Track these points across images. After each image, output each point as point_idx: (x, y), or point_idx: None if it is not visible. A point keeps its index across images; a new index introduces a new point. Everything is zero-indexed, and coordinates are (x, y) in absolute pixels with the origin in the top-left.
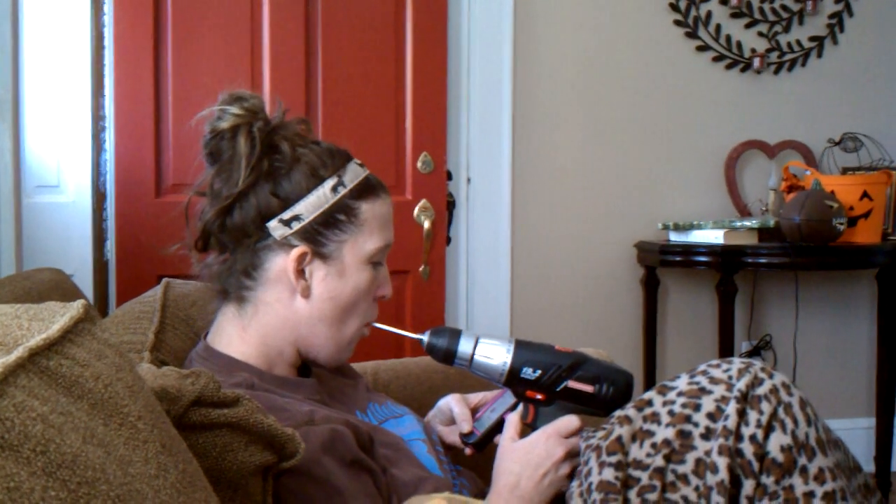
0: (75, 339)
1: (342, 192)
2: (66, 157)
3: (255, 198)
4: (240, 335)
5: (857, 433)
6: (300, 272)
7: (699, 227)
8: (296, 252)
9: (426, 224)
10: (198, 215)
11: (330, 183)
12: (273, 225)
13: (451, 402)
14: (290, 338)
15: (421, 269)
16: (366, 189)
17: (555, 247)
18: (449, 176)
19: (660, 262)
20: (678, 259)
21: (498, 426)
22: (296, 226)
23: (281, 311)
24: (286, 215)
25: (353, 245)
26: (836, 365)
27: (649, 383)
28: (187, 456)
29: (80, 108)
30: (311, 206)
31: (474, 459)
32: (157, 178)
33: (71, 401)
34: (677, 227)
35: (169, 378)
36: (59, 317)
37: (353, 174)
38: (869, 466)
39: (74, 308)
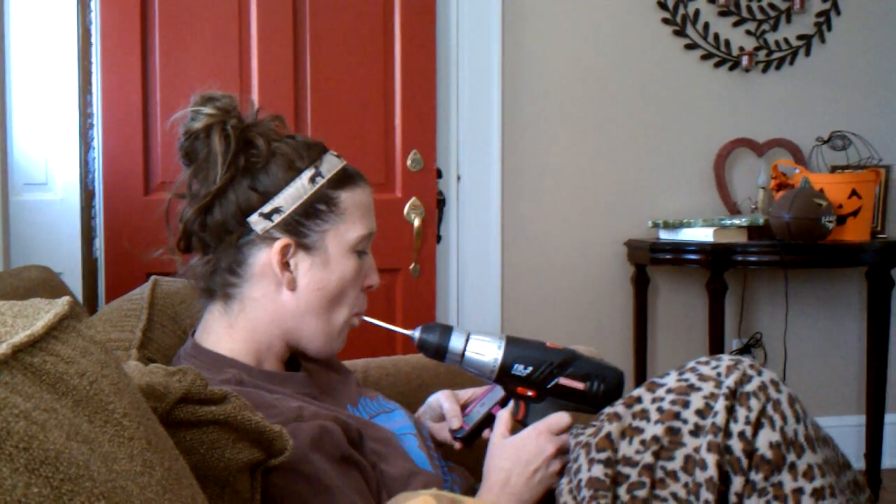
0: (60, 335)
1: (320, 182)
2: (54, 155)
3: (233, 194)
4: (227, 332)
5: (847, 430)
6: (285, 265)
7: (689, 225)
8: (279, 244)
9: (416, 222)
10: (178, 217)
11: (307, 174)
12: (254, 219)
13: (441, 399)
14: (279, 332)
15: (411, 267)
16: (344, 178)
17: (545, 245)
18: (439, 174)
19: (650, 260)
20: (668, 257)
21: (487, 420)
22: (277, 218)
23: (268, 305)
24: (266, 209)
25: (335, 234)
26: (826, 362)
27: (640, 381)
28: (174, 453)
29: (67, 106)
30: (290, 197)
31: (465, 455)
32: (146, 176)
33: (55, 398)
34: (667, 226)
35: (156, 375)
36: (43, 314)
37: (330, 164)
38: (859, 464)
39: (59, 305)
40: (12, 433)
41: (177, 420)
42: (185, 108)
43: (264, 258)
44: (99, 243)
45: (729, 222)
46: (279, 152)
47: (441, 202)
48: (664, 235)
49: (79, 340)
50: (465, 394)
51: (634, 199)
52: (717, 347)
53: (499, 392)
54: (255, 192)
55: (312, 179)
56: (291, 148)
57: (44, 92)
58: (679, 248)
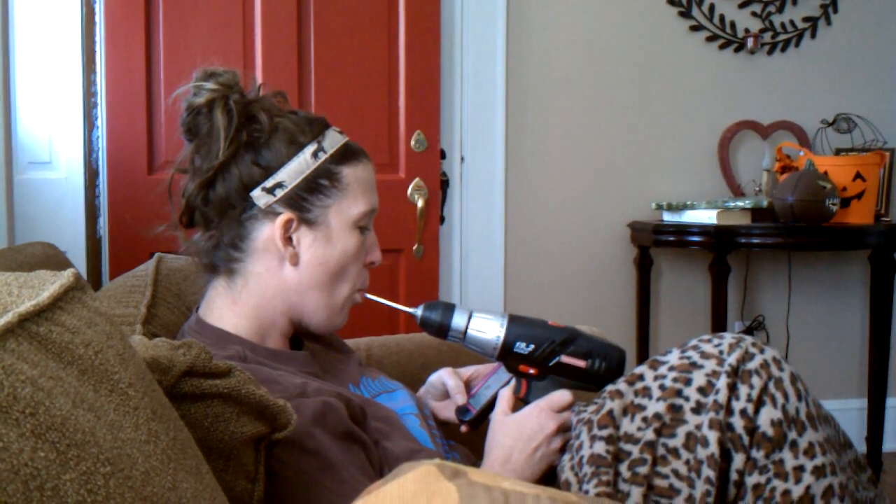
0: (65, 306)
1: (323, 157)
2: (57, 134)
3: (236, 168)
4: (231, 308)
5: (849, 414)
6: (287, 239)
7: (692, 207)
8: (281, 219)
9: (420, 203)
10: (181, 192)
11: (310, 149)
12: (257, 194)
13: (444, 376)
14: (282, 307)
15: (415, 248)
16: (346, 154)
17: (548, 226)
18: (443, 155)
19: (653, 242)
20: (671, 239)
21: (493, 403)
22: (279, 193)
23: (271, 280)
24: (269, 183)
25: (338, 210)
26: (829, 346)
27: (642, 363)
28: (178, 424)
29: (71, 85)
30: (293, 172)
31: (467, 434)
32: (150, 155)
33: (61, 366)
34: (671, 208)
35: (160, 349)
36: (49, 284)
37: (333, 140)
38: (861, 447)
39: (65, 276)
40: (19, 399)
41: (181, 393)
42: (187, 84)
43: (267, 233)
44: (103, 222)
45: (733, 204)
46: (282, 127)
47: (445, 183)
48: (668, 217)
49: (84, 311)
50: (467, 371)
51: (638, 181)
52: (719, 330)
53: (504, 373)
54: (257, 166)
55: (315, 154)
56: (294, 123)
57: (47, 71)
58: (682, 230)
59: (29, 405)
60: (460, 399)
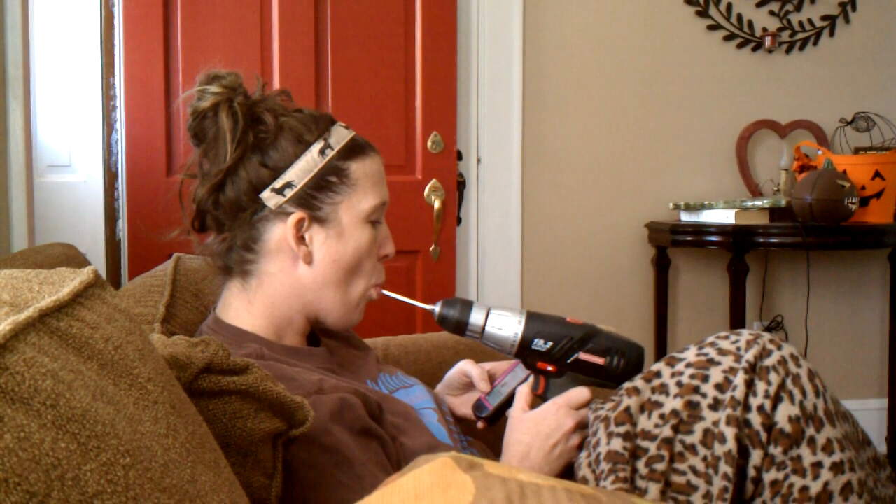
0: (85, 302)
1: (330, 154)
2: (77, 137)
3: (244, 171)
4: (247, 308)
5: (869, 414)
6: (300, 238)
7: (710, 206)
8: (293, 218)
9: (436, 204)
10: (191, 197)
11: (317, 147)
12: (266, 195)
13: (465, 367)
14: (298, 306)
15: (431, 249)
16: (353, 149)
17: (565, 227)
18: (459, 156)
19: (671, 242)
20: (689, 239)
21: (510, 400)
22: (289, 193)
23: (285, 280)
24: (278, 183)
25: (348, 205)
26: (848, 346)
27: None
28: (197, 419)
29: (90, 88)
30: (301, 171)
31: (485, 431)
32: (168, 158)
33: (81, 360)
34: (688, 207)
35: (179, 346)
36: (69, 281)
37: (339, 136)
38: (881, 447)
39: (85, 273)
40: (40, 391)
41: (200, 390)
42: (191, 89)
43: (279, 233)
44: (122, 224)
45: (751, 204)
46: (287, 126)
47: (461, 184)
48: (685, 217)
49: (104, 307)
50: (485, 367)
51: (656, 181)
52: None
53: (522, 371)
54: (265, 167)
55: (322, 152)
56: (299, 121)
57: (67, 75)
58: (700, 229)
59: (50, 397)
60: (485, 387)
